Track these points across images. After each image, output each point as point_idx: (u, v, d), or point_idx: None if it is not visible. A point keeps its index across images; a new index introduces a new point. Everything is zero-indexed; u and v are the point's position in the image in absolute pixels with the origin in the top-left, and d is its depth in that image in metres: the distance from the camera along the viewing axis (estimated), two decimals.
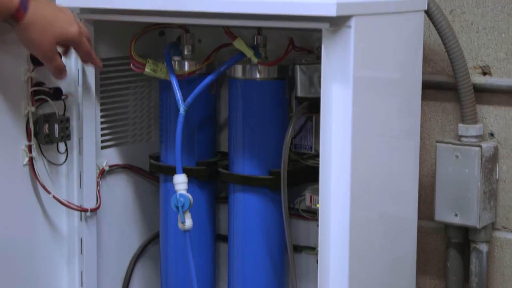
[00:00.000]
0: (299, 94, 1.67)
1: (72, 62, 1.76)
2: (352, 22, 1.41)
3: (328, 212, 1.51)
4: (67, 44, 1.63)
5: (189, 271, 1.76)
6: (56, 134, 1.72)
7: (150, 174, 1.95)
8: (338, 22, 1.42)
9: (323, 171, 1.49)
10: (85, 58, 1.67)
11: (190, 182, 1.75)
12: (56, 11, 1.61)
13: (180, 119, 1.68)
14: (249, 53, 1.65)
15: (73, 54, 1.70)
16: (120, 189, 1.94)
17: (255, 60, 1.67)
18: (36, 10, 1.54)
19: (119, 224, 1.96)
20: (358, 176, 1.51)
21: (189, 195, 1.68)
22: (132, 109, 1.95)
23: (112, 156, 1.90)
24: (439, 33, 1.74)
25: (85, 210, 1.78)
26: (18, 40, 1.63)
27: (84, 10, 1.67)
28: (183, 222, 1.68)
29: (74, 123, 1.79)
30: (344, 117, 1.47)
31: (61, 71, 1.63)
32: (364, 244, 1.58)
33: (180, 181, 1.69)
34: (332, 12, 1.37)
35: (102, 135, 1.86)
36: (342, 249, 1.51)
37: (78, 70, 1.77)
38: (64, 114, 1.75)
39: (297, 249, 1.84)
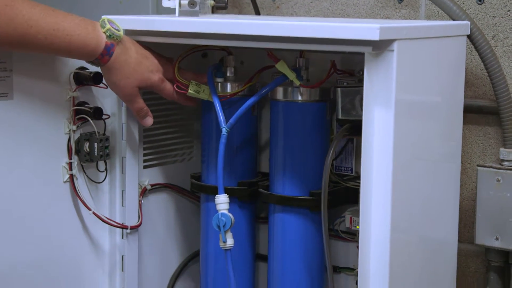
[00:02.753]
0: (340, 116, 1.67)
1: None
2: (395, 46, 1.42)
3: (368, 234, 1.51)
4: (150, 88, 1.71)
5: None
6: (96, 153, 1.76)
7: (191, 194, 1.96)
8: (380, 46, 1.42)
9: (364, 193, 1.50)
10: (169, 98, 1.77)
11: (231, 201, 1.74)
12: (141, 58, 1.68)
13: (222, 140, 1.68)
14: (291, 75, 1.66)
15: None
16: (161, 208, 1.96)
17: (297, 82, 1.67)
18: (121, 55, 1.63)
19: (160, 241, 1.97)
20: (399, 198, 1.51)
21: (230, 215, 1.67)
22: (175, 130, 1.97)
23: (154, 175, 1.92)
24: (481, 57, 1.75)
25: (125, 227, 1.81)
26: (61, 59, 1.72)
27: (128, 32, 1.68)
28: (225, 242, 1.67)
29: (115, 142, 1.83)
30: (386, 140, 1.48)
31: (143, 115, 1.73)
32: (404, 267, 1.57)
33: (222, 201, 1.69)
34: (375, 36, 1.38)
35: (144, 155, 1.88)
36: (382, 271, 1.51)
37: None
38: (104, 134, 1.78)
39: (336, 269, 1.85)
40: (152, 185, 1.89)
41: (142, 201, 1.86)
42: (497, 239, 1.73)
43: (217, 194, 1.70)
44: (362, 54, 1.45)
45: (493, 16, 1.82)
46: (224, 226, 1.67)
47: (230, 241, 1.68)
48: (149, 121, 1.74)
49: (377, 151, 1.49)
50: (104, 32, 1.61)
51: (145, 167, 1.89)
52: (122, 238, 1.83)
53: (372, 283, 1.53)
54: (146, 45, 1.74)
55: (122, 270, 1.84)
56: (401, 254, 1.55)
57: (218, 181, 1.70)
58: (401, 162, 1.51)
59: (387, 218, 1.50)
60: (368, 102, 1.47)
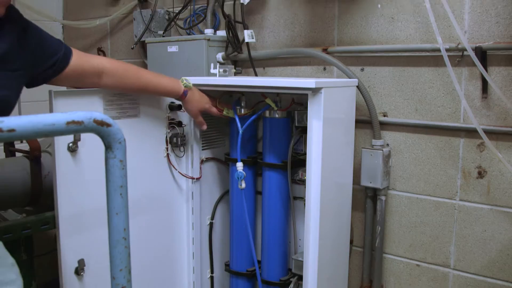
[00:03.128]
0: (296, 124, 1.72)
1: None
2: (322, 90, 1.49)
3: (310, 181, 1.55)
4: (206, 111, 1.74)
5: (244, 211, 1.77)
6: (179, 143, 1.79)
7: (225, 162, 1.93)
8: (315, 90, 1.49)
9: (308, 161, 1.55)
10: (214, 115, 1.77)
11: (244, 166, 1.75)
12: (200, 97, 1.71)
13: (239, 136, 1.71)
14: (272, 104, 1.70)
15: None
16: (210, 169, 1.94)
17: (275, 108, 1.70)
18: (190, 95, 1.68)
19: (210, 185, 1.95)
20: (325, 163, 1.55)
21: (243, 172, 1.71)
22: (217, 131, 1.94)
23: (207, 154, 1.91)
24: (363, 96, 1.76)
25: (193, 178, 1.84)
26: (162, 98, 1.75)
27: (194, 85, 1.71)
28: (241, 185, 1.71)
29: (188, 138, 1.82)
30: (318, 135, 1.53)
31: (201, 125, 1.76)
32: (327, 195, 1.59)
33: (239, 165, 1.71)
34: (313, 85, 1.47)
35: (202, 143, 1.87)
36: (316, 198, 1.56)
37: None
38: (183, 133, 1.80)
39: (295, 198, 1.83)
40: (206, 158, 1.89)
41: (201, 166, 1.87)
42: (370, 182, 1.76)
43: (237, 162, 1.72)
44: (307, 94, 1.51)
45: (368, 77, 1.80)
46: (240, 177, 1.71)
47: (243, 185, 1.72)
48: (204, 127, 1.77)
49: (314, 141, 1.54)
50: (183, 84, 1.66)
51: (202, 149, 1.88)
52: (192, 183, 1.85)
53: (312, 206, 1.56)
54: (203, 90, 1.75)
55: (192, 199, 1.86)
56: (326, 190, 1.58)
57: (238, 155, 1.72)
58: (326, 147, 1.55)
59: (318, 173, 1.54)
60: (310, 117, 1.53)
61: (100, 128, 1.11)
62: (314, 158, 1.56)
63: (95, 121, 1.10)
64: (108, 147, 1.14)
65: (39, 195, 1.92)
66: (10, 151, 2.02)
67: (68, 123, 1.04)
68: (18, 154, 2.03)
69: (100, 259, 1.52)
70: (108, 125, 1.12)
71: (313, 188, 1.58)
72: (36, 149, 1.87)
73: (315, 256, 1.60)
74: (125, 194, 1.18)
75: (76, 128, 1.06)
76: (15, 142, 2.08)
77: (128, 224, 1.21)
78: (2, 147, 2.17)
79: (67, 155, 1.56)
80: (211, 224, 1.96)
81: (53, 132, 1.05)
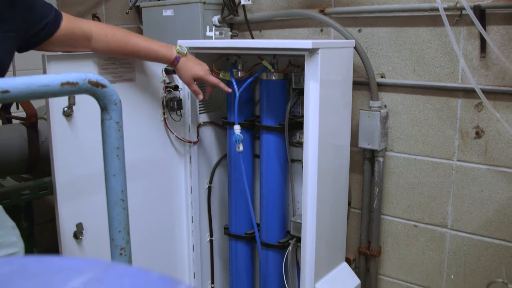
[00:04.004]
0: (293, 86, 1.72)
1: None
2: (319, 51, 1.49)
3: (307, 143, 1.56)
4: (200, 79, 1.65)
5: (242, 174, 1.77)
6: (176, 106, 1.77)
7: (222, 126, 1.93)
8: (312, 51, 1.49)
9: (306, 123, 1.55)
10: (214, 85, 1.68)
11: (242, 129, 1.75)
12: (195, 64, 1.64)
13: (236, 99, 1.71)
14: (269, 66, 1.70)
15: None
16: (208, 133, 1.94)
17: (272, 70, 1.70)
18: (184, 62, 1.61)
19: (208, 149, 1.95)
20: (323, 125, 1.56)
21: (241, 135, 1.71)
22: (214, 95, 1.90)
23: (204, 118, 1.90)
24: (360, 57, 1.76)
25: (191, 142, 1.84)
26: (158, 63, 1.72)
27: (190, 48, 1.69)
28: (238, 148, 1.72)
29: (185, 101, 1.81)
30: (315, 97, 1.53)
31: (197, 94, 1.66)
32: (324, 158, 1.60)
33: (237, 128, 1.72)
34: (309, 46, 1.47)
35: (199, 107, 1.87)
36: (313, 160, 1.57)
37: None
38: (180, 97, 1.79)
39: (293, 161, 1.83)
40: (203, 122, 1.89)
41: (199, 130, 1.87)
42: (368, 144, 1.77)
43: (235, 125, 1.73)
44: (303, 55, 1.51)
45: (365, 38, 1.79)
46: (238, 140, 1.72)
47: (241, 148, 1.72)
48: (200, 97, 1.68)
49: (311, 103, 1.54)
50: (176, 50, 1.61)
51: (200, 113, 1.88)
52: (189, 147, 1.85)
53: (310, 168, 1.58)
54: (199, 54, 1.73)
55: (190, 162, 1.86)
56: (323, 152, 1.59)
57: (235, 118, 1.73)
58: (323, 109, 1.55)
59: (316, 135, 1.55)
60: (307, 79, 1.53)
61: (95, 89, 1.11)
62: (312, 120, 1.56)
63: (90, 82, 1.10)
64: (103, 109, 1.14)
65: (37, 162, 1.93)
66: (6, 118, 2.03)
67: (62, 84, 1.04)
68: (15, 121, 2.03)
69: (98, 222, 1.53)
70: (103, 86, 1.12)
71: (310, 150, 1.59)
72: (32, 116, 1.87)
73: (313, 218, 1.63)
74: (122, 156, 1.19)
75: (70, 89, 1.06)
76: (11, 109, 2.08)
77: (126, 186, 1.22)
78: None
79: (63, 120, 1.57)
80: (209, 188, 1.98)
81: (47, 93, 1.05)
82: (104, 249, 1.28)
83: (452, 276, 1.75)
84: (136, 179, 1.73)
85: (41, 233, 2.36)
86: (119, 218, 1.24)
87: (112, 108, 1.16)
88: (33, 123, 1.87)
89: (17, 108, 2.06)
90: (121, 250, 1.26)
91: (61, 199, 1.57)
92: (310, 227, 1.64)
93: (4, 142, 1.87)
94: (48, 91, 1.03)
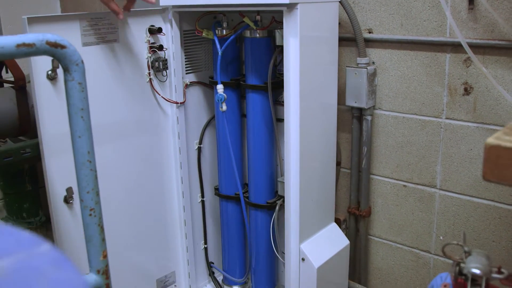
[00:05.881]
0: (277, 43, 1.68)
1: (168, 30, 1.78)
2: (298, 6, 1.47)
3: (288, 102, 1.57)
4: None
5: (226, 132, 1.82)
6: (161, 67, 1.77)
7: (210, 85, 1.93)
8: (290, 6, 1.48)
9: (286, 81, 1.56)
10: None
11: (228, 89, 1.78)
12: None
13: (219, 57, 1.71)
14: (251, 23, 1.67)
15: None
16: (196, 93, 1.93)
17: (254, 27, 1.67)
18: None
19: (197, 110, 1.95)
20: (304, 83, 1.55)
21: (224, 94, 1.72)
22: (200, 54, 1.91)
23: (191, 78, 1.90)
24: (346, 12, 1.73)
25: (177, 103, 1.84)
26: (139, 22, 1.70)
27: (173, 7, 1.72)
28: (222, 107, 1.73)
29: (171, 61, 1.80)
30: (295, 55, 1.52)
31: (116, 14, 1.56)
32: (308, 116, 1.60)
33: (220, 87, 1.73)
34: (286, 1, 1.45)
35: (186, 67, 1.87)
36: (295, 119, 1.57)
37: (169, 31, 1.79)
38: (165, 57, 1.78)
39: (280, 120, 1.78)
40: (191, 82, 1.89)
41: (186, 90, 1.87)
42: (355, 102, 1.76)
43: (217, 84, 1.74)
44: (282, 11, 1.50)
45: None
46: (221, 100, 1.74)
47: (224, 107, 1.74)
48: (120, 17, 1.57)
49: (291, 60, 1.54)
50: None
51: (186, 73, 1.87)
52: (177, 108, 1.86)
53: (292, 126, 1.58)
54: (182, 13, 1.72)
55: (177, 123, 1.87)
56: (306, 110, 1.59)
57: (218, 77, 1.74)
58: (304, 66, 1.55)
59: (297, 91, 1.55)
60: (286, 36, 1.52)
61: (54, 50, 1.13)
62: (292, 78, 1.56)
63: (48, 43, 1.11)
64: (65, 70, 1.17)
65: (28, 125, 1.97)
66: None
67: (18, 45, 1.06)
68: (6, 85, 2.07)
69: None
70: (63, 46, 1.14)
71: (292, 109, 1.59)
72: (20, 79, 1.90)
73: (296, 176, 1.64)
74: (87, 117, 1.21)
75: (27, 51, 1.08)
76: (3, 73, 2.12)
77: (92, 147, 1.25)
78: None
79: (47, 84, 1.60)
80: (199, 149, 2.00)
81: (3, 55, 1.07)
82: None
83: (441, 237, 1.75)
84: (123, 140, 1.77)
85: (45, 196, 2.44)
86: (86, 179, 1.27)
87: (74, 69, 1.18)
88: (21, 87, 1.91)
89: (6, 72, 2.10)
90: (90, 211, 1.30)
91: (49, 164, 1.62)
92: (293, 186, 1.65)
93: None
94: (4, 53, 1.05)
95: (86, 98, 1.19)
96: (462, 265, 0.99)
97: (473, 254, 1.02)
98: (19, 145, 2.01)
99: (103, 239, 1.32)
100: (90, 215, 1.29)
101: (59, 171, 1.63)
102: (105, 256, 1.33)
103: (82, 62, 1.16)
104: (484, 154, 0.81)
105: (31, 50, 1.07)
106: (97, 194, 1.29)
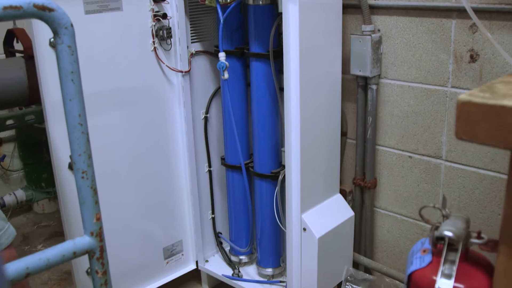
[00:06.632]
0: (279, 10, 1.60)
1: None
2: None
3: (289, 68, 1.55)
4: None
5: (228, 102, 1.82)
6: (165, 35, 1.79)
7: (215, 55, 1.81)
8: None
9: (286, 49, 1.54)
10: None
11: (232, 58, 1.79)
12: None
13: (220, 25, 1.70)
14: None
15: None
16: (201, 63, 1.94)
17: None
18: None
19: (203, 79, 1.95)
20: (305, 51, 1.54)
21: (226, 62, 1.71)
22: (205, 23, 1.92)
23: (197, 47, 1.90)
24: None
25: (182, 72, 1.85)
26: None
27: None
28: (223, 76, 1.72)
29: (175, 29, 1.81)
30: (295, 22, 1.51)
31: None
32: (309, 84, 1.58)
33: (221, 55, 1.71)
34: None
35: (191, 36, 1.88)
36: (295, 87, 1.56)
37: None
38: (169, 25, 1.79)
39: (282, 90, 1.66)
40: (196, 51, 1.90)
41: (191, 59, 1.88)
42: (360, 70, 1.74)
43: (219, 52, 1.72)
44: None
45: None
46: (223, 67, 1.72)
47: (226, 75, 1.72)
48: None
49: (291, 28, 1.52)
50: None
51: (192, 42, 1.88)
52: (182, 77, 1.87)
53: (292, 95, 1.58)
54: None
55: (183, 92, 1.88)
56: (307, 78, 1.58)
57: (220, 45, 1.72)
58: (305, 34, 1.54)
59: (297, 60, 1.54)
60: (285, 2, 1.51)
61: (42, 13, 1.14)
62: (292, 45, 1.55)
63: (35, 5, 1.13)
64: (55, 33, 1.18)
65: (38, 94, 2.01)
66: (9, 52, 2.11)
67: (5, 8, 1.08)
68: (18, 55, 2.11)
69: (93, 152, 1.61)
70: (51, 9, 1.15)
71: (292, 77, 1.58)
72: (29, 48, 1.94)
73: (297, 146, 1.64)
74: (77, 80, 1.23)
75: (14, 14, 1.10)
76: (15, 43, 2.16)
77: (84, 110, 1.27)
78: None
79: (50, 51, 1.63)
80: (205, 118, 2.01)
81: None
82: (100, 179, 1.33)
83: (446, 210, 1.72)
84: (128, 109, 1.80)
85: None
86: (78, 142, 1.30)
87: (63, 32, 1.19)
88: (31, 56, 1.94)
89: (17, 42, 2.14)
90: (82, 173, 1.32)
91: (53, 130, 1.67)
92: (294, 155, 1.65)
93: (3, 75, 1.96)
94: None
95: (77, 62, 1.20)
96: (438, 234, 0.98)
97: (450, 218, 1.00)
98: (22, 112, 2.06)
99: (96, 202, 1.34)
100: (83, 177, 1.31)
101: (63, 138, 1.65)
102: (99, 219, 1.35)
103: (72, 25, 1.17)
104: (456, 111, 0.80)
105: (18, 13, 1.09)
106: (89, 157, 1.31)
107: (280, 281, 1.99)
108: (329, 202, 1.83)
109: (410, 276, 1.01)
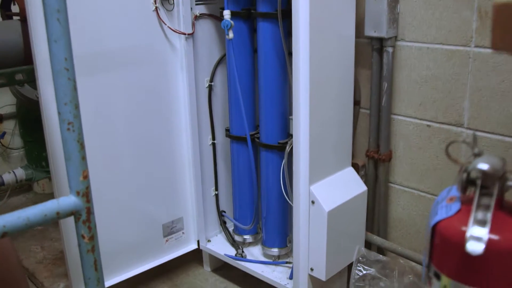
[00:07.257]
0: None
1: None
2: None
3: (298, 29, 1.46)
4: None
5: (234, 66, 1.75)
6: None
7: (221, 19, 1.73)
8: None
9: (295, 9, 1.46)
10: None
11: (238, 20, 1.71)
12: None
13: None
14: None
15: None
16: (206, 27, 1.86)
17: None
18: None
19: (208, 45, 1.89)
20: (314, 9, 1.45)
21: (231, 21, 1.65)
22: None
23: (202, 9, 1.82)
24: None
25: (184, 34, 1.78)
26: None
27: None
28: (228, 35, 1.66)
29: None
30: (305, 11, 1.45)
31: None
32: (319, 47, 1.49)
33: (226, 13, 1.65)
34: None
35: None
36: (305, 47, 1.47)
37: None
38: None
39: (291, 54, 1.56)
40: (200, 14, 1.82)
41: (196, 22, 1.81)
42: (375, 31, 1.63)
43: (224, 10, 1.66)
44: None
45: None
46: (227, 26, 1.65)
47: (231, 35, 1.66)
48: None
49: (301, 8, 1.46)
50: None
51: (196, 4, 1.80)
52: (185, 40, 1.80)
53: (302, 58, 1.48)
54: None
55: (185, 56, 1.80)
56: (316, 40, 1.48)
57: (225, 3, 1.67)
58: (313, 19, 1.45)
59: (307, 22, 1.45)
60: None
61: None
62: (301, 4, 1.45)
63: None
64: None
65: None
66: (6, 15, 2.04)
67: None
68: (15, 18, 2.04)
69: (87, 109, 1.53)
70: None
71: (301, 39, 1.49)
72: (24, 9, 1.85)
73: (306, 114, 1.54)
74: (64, 20, 1.13)
75: None
76: (12, 6, 2.09)
77: (71, 54, 1.17)
78: None
79: (41, 8, 1.55)
80: (210, 87, 1.92)
81: None
82: (94, 146, 1.27)
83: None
84: (127, 69, 1.72)
85: None
86: (64, 89, 1.19)
87: None
88: (26, 17, 1.86)
89: (13, 4, 2.07)
90: (68, 124, 1.22)
91: (44, 89, 1.60)
92: (303, 123, 1.55)
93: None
94: None
95: None
96: (470, 169, 0.85)
97: (483, 156, 0.88)
98: (12, 70, 1.99)
99: (83, 157, 1.23)
100: (68, 129, 1.21)
101: (54, 97, 1.59)
102: (86, 177, 1.25)
103: None
104: (492, 18, 0.68)
105: None
106: (76, 106, 1.21)
107: (287, 262, 1.88)
108: (340, 175, 1.71)
109: (434, 227, 0.89)
